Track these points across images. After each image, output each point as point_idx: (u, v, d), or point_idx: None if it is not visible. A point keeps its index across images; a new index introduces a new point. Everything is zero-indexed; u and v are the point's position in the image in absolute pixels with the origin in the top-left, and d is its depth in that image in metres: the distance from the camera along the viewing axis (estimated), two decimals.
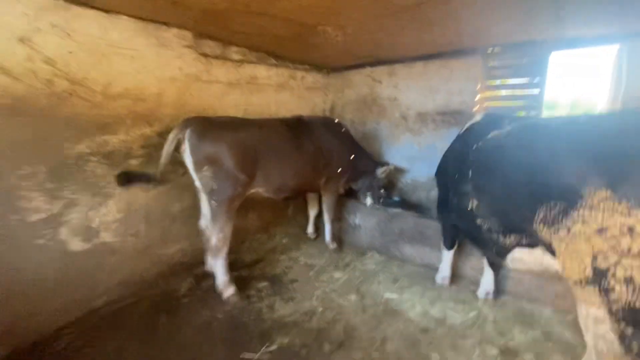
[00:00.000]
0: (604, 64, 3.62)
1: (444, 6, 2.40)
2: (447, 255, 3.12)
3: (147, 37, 3.05)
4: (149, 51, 3.07)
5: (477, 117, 2.63)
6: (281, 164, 3.23)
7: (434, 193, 4.37)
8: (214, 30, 3.35)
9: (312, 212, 4.35)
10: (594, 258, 1.38)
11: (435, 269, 3.48)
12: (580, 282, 1.47)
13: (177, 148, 2.93)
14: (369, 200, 4.07)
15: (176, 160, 3.41)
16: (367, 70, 4.71)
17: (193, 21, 3.06)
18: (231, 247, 3.12)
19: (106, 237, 2.94)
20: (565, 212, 1.47)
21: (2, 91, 2.28)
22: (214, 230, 2.99)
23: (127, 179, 2.78)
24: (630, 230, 1.27)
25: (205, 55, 3.56)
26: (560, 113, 7.48)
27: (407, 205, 3.98)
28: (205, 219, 3.35)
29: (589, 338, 1.58)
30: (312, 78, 4.97)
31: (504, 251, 1.94)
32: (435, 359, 2.32)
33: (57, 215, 2.62)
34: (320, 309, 2.90)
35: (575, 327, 2.62)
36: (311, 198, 4.31)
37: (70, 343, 2.50)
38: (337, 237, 4.17)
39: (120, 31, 2.86)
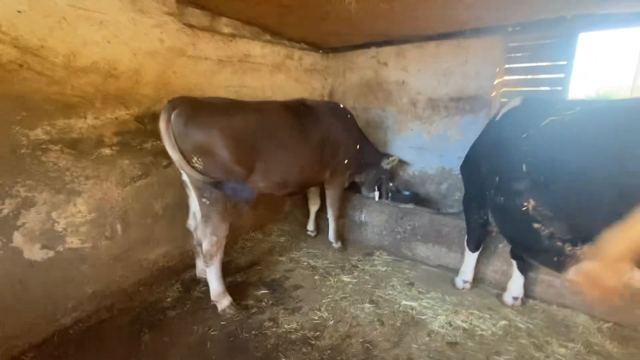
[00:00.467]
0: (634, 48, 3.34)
1: None
2: (471, 258, 2.80)
3: None
4: (122, 16, 2.53)
5: (515, 102, 2.27)
6: (284, 155, 2.79)
7: (445, 186, 4.07)
8: None
9: (313, 208, 3.95)
10: None
11: (452, 271, 3.17)
12: None
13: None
14: (376, 195, 3.70)
15: (157, 149, 2.91)
16: (372, 50, 4.28)
17: None
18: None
19: (74, 242, 2.44)
20: None
21: None
22: (205, 233, 2.54)
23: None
24: None
25: (190, 26, 3.03)
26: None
27: (419, 200, 3.64)
28: (194, 219, 2.89)
29: None
30: (311, 59, 4.49)
31: (569, 263, 1.61)
32: None
33: (7, 218, 2.10)
34: (331, 322, 2.53)
35: (616, 336, 2.37)
36: (312, 192, 3.90)
37: None
38: (341, 235, 3.79)
39: None
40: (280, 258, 3.53)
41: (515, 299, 2.66)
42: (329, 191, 3.49)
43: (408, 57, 4.02)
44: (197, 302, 2.80)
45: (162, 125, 2.38)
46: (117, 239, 2.70)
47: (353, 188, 3.95)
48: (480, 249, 2.75)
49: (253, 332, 2.43)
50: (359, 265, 3.38)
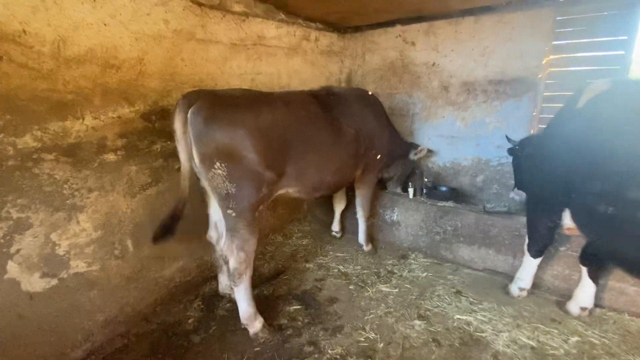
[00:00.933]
0: None
1: None
2: (532, 264, 2.49)
3: None
4: None
5: (600, 86, 1.90)
6: (318, 155, 2.41)
7: (481, 178, 3.72)
8: None
9: (339, 207, 3.60)
10: None
11: (500, 275, 2.87)
12: None
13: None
14: (411, 192, 3.35)
15: (168, 150, 2.52)
16: (397, 29, 3.83)
17: None
18: None
19: (79, 265, 2.08)
20: None
21: None
22: (232, 249, 2.19)
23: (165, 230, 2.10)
24: None
25: (198, 4, 2.57)
26: None
27: (459, 196, 3.30)
28: (215, 230, 2.53)
29: None
30: (327, 40, 4.03)
31: None
32: None
33: None
34: (380, 344, 2.22)
35: None
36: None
37: None
38: (371, 237, 3.46)
39: None
40: (307, 265, 3.21)
41: (583, 309, 2.37)
42: (360, 190, 3.14)
43: (440, 35, 3.58)
44: (223, 323, 2.48)
45: (177, 126, 1.99)
46: (128, 258, 2.34)
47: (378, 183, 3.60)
48: (543, 255, 2.44)
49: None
50: (395, 271, 3.07)
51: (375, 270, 3.08)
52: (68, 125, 1.95)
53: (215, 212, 2.47)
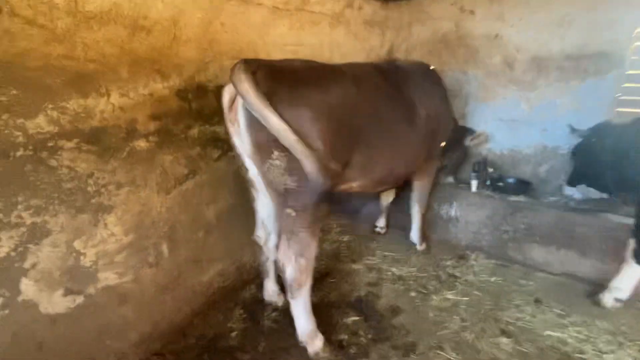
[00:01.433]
0: None
1: None
2: (635, 272, 2.12)
3: None
4: None
5: None
6: (390, 141, 2.00)
7: (545, 168, 3.29)
8: None
9: (387, 200, 3.20)
10: None
11: (582, 281, 2.51)
12: None
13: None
14: (474, 184, 2.95)
15: (207, 136, 2.10)
16: None
17: None
18: None
19: (109, 277, 1.70)
20: None
21: None
22: (289, 256, 1.80)
23: None
24: None
25: None
26: None
27: (530, 189, 2.89)
28: (263, 229, 2.14)
29: None
30: (371, 8, 3.50)
31: None
32: None
33: (8, 261, 1.34)
34: None
35: None
36: None
37: None
38: (425, 235, 3.07)
39: None
40: (355, 266, 2.85)
41: None
42: (420, 182, 2.73)
43: (507, 2, 3.07)
44: (272, 338, 2.13)
45: (226, 98, 1.56)
46: (163, 264, 1.97)
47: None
48: None
49: None
50: (457, 274, 2.70)
51: (435, 273, 2.72)
52: (91, 103, 1.52)
53: (263, 207, 2.08)
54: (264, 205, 2.08)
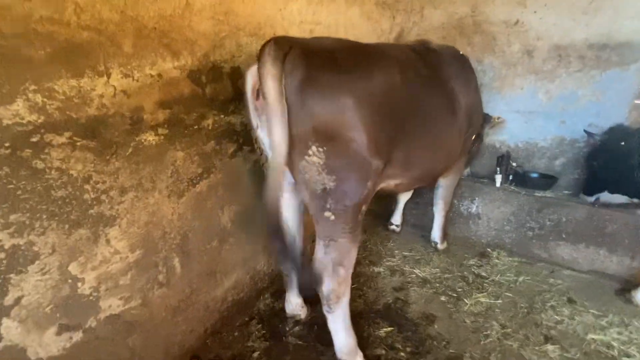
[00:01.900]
0: None
1: None
2: None
3: None
4: None
5: None
6: (434, 134, 1.77)
7: (561, 162, 3.21)
8: None
9: (405, 197, 3.00)
10: None
11: (611, 278, 2.44)
12: None
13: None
14: (498, 179, 2.81)
15: (222, 127, 1.77)
16: None
17: None
18: None
19: (113, 305, 1.37)
20: None
21: None
22: (326, 265, 1.56)
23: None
24: None
25: None
26: None
27: (554, 184, 2.79)
28: (288, 235, 1.86)
29: None
30: None
31: None
32: None
33: None
34: None
35: None
36: None
37: None
38: (445, 233, 2.90)
39: None
40: (376, 269, 2.64)
41: None
42: (447, 178, 2.52)
43: None
44: (299, 356, 1.89)
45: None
46: (175, 282, 1.64)
47: None
48: None
49: None
50: (484, 274, 2.57)
51: (460, 274, 2.57)
52: (86, 85, 1.16)
53: (287, 210, 1.81)
54: (289, 207, 1.81)
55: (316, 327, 2.10)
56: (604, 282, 2.44)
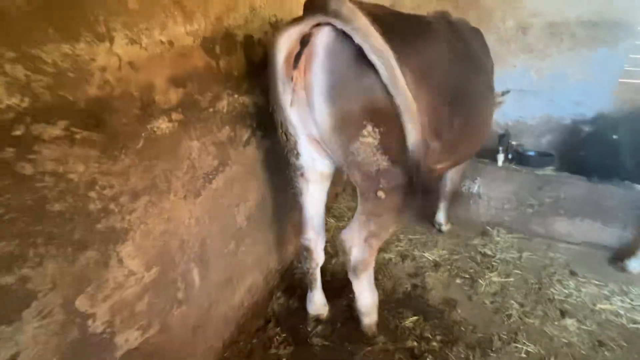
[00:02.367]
0: None
1: None
2: None
3: None
4: None
5: None
6: (475, 112, 1.67)
7: (547, 139, 3.34)
8: None
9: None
10: None
11: (602, 248, 2.60)
12: None
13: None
14: (500, 158, 2.81)
15: (236, 110, 1.48)
16: None
17: None
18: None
19: (131, 338, 1.09)
20: None
21: None
22: (359, 237, 1.50)
23: None
24: None
25: None
26: None
27: (549, 161, 2.86)
28: (313, 229, 1.67)
29: None
30: None
31: None
32: None
33: None
34: (548, 358, 1.78)
35: None
36: None
37: None
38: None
39: None
40: (386, 255, 2.55)
41: None
42: None
43: None
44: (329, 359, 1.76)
45: (316, 63, 1.04)
46: (193, 297, 1.38)
47: None
48: None
49: None
50: (489, 252, 2.60)
51: (468, 255, 2.58)
52: (84, 52, 0.82)
53: (313, 203, 1.61)
54: (315, 200, 1.61)
55: (339, 324, 1.97)
56: (597, 253, 2.60)
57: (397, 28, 1.19)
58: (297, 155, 1.42)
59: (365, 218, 1.43)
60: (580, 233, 2.65)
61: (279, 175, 1.85)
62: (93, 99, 0.86)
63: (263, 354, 1.76)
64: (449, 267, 2.45)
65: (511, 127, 3.37)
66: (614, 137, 2.61)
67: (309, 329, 1.92)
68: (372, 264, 1.64)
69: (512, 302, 2.14)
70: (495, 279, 2.33)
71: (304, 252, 1.70)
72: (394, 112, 1.11)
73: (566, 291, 2.23)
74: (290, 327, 1.94)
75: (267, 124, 1.68)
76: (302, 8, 1.21)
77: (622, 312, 2.07)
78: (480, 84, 1.71)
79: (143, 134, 1.02)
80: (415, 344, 1.84)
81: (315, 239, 1.69)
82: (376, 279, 2.29)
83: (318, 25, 1.11)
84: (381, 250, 2.60)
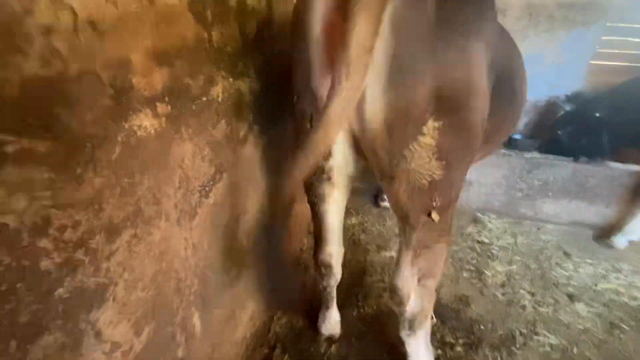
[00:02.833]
0: None
1: None
2: None
3: None
4: None
5: None
6: (512, 97, 1.48)
7: (522, 122, 3.39)
8: None
9: None
10: None
11: (587, 227, 2.67)
12: None
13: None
14: None
15: (231, 99, 1.14)
16: None
17: None
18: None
19: None
20: None
21: None
22: (413, 278, 1.20)
23: None
24: None
25: None
26: None
27: (535, 144, 2.87)
28: (334, 244, 1.40)
29: None
30: None
31: None
32: None
33: None
34: (572, 349, 1.73)
35: None
36: None
37: None
38: None
39: None
40: (387, 253, 2.36)
41: None
42: None
43: None
44: None
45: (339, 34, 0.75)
46: (195, 348, 1.05)
47: None
48: None
49: None
50: (485, 240, 2.54)
51: (466, 244, 2.50)
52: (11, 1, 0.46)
53: (337, 212, 1.33)
54: (338, 209, 1.33)
55: (354, 339, 1.76)
56: (584, 232, 2.67)
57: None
58: (328, 155, 1.12)
59: (413, 254, 1.15)
60: (567, 213, 2.70)
61: (278, 178, 1.54)
62: (34, 84, 0.50)
63: None
64: (451, 259, 2.34)
65: None
66: (590, 117, 2.67)
67: (322, 351, 1.67)
68: (431, 313, 1.35)
69: (522, 291, 2.08)
70: (499, 268, 2.27)
71: (323, 269, 1.42)
72: (464, 101, 0.88)
73: (566, 273, 2.24)
74: (300, 351, 1.68)
75: (264, 116, 1.37)
76: None
77: (621, 289, 2.11)
78: (517, 67, 1.53)
79: (119, 137, 0.66)
80: (439, 351, 1.69)
81: (336, 254, 1.42)
82: (383, 280, 2.14)
83: None
84: (381, 248, 2.43)
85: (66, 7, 0.53)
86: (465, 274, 2.21)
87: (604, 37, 2.91)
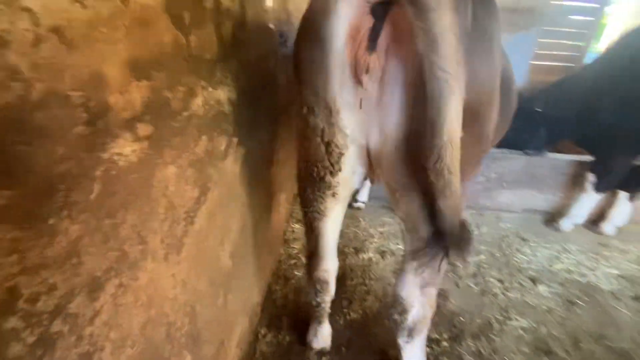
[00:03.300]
0: None
1: None
2: (592, 199, 2.59)
3: None
4: None
5: None
6: (508, 97, 1.52)
7: None
8: None
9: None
10: None
11: (538, 213, 2.93)
12: None
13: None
14: None
15: (213, 111, 1.02)
16: None
17: None
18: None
19: None
20: None
21: None
22: (417, 289, 1.20)
23: None
24: None
25: None
26: None
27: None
28: (332, 260, 1.35)
29: None
30: None
31: None
32: None
33: None
34: (541, 329, 1.87)
35: None
36: None
37: None
38: None
39: None
40: (365, 255, 2.36)
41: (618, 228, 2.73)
42: None
43: None
44: None
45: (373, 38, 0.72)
46: None
47: None
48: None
49: None
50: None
51: None
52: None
53: (335, 228, 1.28)
54: (337, 224, 1.27)
55: (344, 348, 1.72)
56: (536, 217, 2.93)
57: None
58: (337, 170, 1.04)
59: (419, 263, 1.13)
60: (520, 202, 2.94)
61: (257, 191, 1.44)
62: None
63: None
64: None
65: None
66: (531, 112, 2.89)
67: None
68: (429, 324, 1.33)
69: (492, 279, 2.22)
70: (469, 259, 2.39)
71: (319, 286, 1.36)
72: (486, 112, 0.86)
73: (526, 258, 2.44)
74: None
75: (243, 126, 1.26)
76: None
77: (572, 268, 2.35)
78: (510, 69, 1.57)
79: (97, 172, 0.53)
80: (428, 349, 1.72)
81: (332, 270, 1.36)
82: (364, 284, 2.13)
83: None
84: (359, 251, 2.42)
85: (24, 10, 0.40)
86: (464, 275, 2.29)
87: (540, 40, 3.21)
